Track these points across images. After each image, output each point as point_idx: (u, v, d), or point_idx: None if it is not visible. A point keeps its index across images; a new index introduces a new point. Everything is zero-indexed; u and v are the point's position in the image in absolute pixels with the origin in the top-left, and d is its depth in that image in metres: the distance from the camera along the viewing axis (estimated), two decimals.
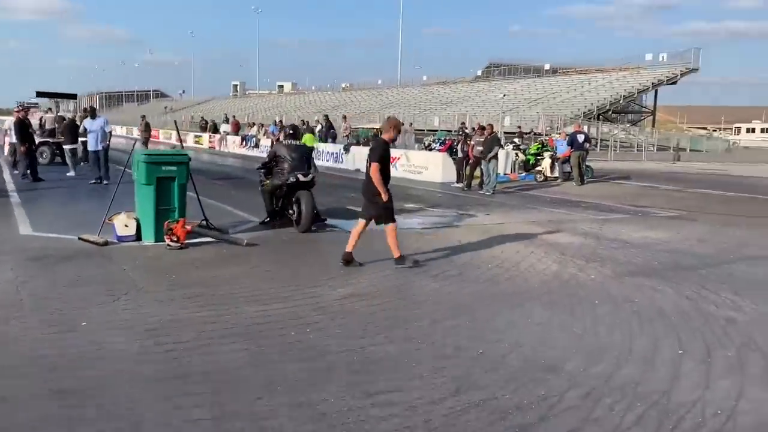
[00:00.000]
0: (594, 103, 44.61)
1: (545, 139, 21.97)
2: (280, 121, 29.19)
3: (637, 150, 39.23)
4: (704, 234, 10.03)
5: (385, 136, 7.05)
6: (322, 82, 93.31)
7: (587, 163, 19.63)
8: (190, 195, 8.47)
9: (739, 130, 72.98)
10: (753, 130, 71.88)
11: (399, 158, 20.31)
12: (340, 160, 23.46)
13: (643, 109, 53.24)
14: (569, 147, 18.20)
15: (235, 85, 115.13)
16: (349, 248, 7.02)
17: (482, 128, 16.52)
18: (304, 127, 26.65)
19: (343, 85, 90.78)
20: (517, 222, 10.85)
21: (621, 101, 45.87)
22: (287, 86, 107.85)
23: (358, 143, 25.11)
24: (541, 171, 19.15)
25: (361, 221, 7.15)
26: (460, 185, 17.06)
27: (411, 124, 40.19)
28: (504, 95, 25.77)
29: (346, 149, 23.02)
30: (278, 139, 27.73)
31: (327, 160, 24.40)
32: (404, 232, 9.46)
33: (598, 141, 39.72)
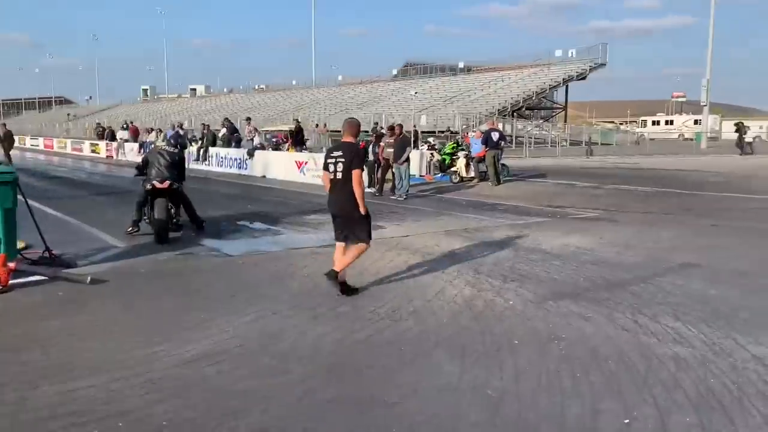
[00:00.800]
0: (508, 100, 44.71)
1: (460, 138, 21.08)
2: (180, 125, 27.11)
3: (551, 146, 39.38)
4: (629, 238, 9.21)
5: (351, 140, 6.10)
6: (237, 84, 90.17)
7: (503, 162, 18.90)
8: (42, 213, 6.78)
9: (645, 122, 75.63)
10: (658, 123, 74.65)
11: (306, 162, 18.93)
12: (244, 166, 21.79)
13: (555, 105, 54.06)
14: (484, 146, 17.34)
15: (145, 90, 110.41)
16: (338, 269, 6.06)
17: (392, 129, 15.36)
18: (205, 131, 24.79)
19: (256, 87, 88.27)
20: (429, 232, 9.70)
21: (534, 97, 46.23)
22: (200, 89, 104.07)
23: (261, 148, 23.44)
24: (456, 171, 18.23)
25: (339, 245, 6.23)
26: (372, 190, 15.85)
27: (325, 125, 38.93)
28: (415, 93, 24.83)
29: (250, 154, 21.38)
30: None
31: (230, 167, 22.69)
32: (296, 252, 8.14)
33: (513, 138, 39.63)
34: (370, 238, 6.20)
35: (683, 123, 69.04)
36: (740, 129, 33.76)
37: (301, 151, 21.55)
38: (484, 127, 19.70)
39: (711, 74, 43.90)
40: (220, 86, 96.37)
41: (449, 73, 57.97)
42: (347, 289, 5.99)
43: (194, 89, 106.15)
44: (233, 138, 23.20)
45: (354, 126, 6.14)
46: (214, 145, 24.11)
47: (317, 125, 43.25)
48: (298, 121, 22.28)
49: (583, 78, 47.89)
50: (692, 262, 7.51)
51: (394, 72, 67.74)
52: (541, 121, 50.59)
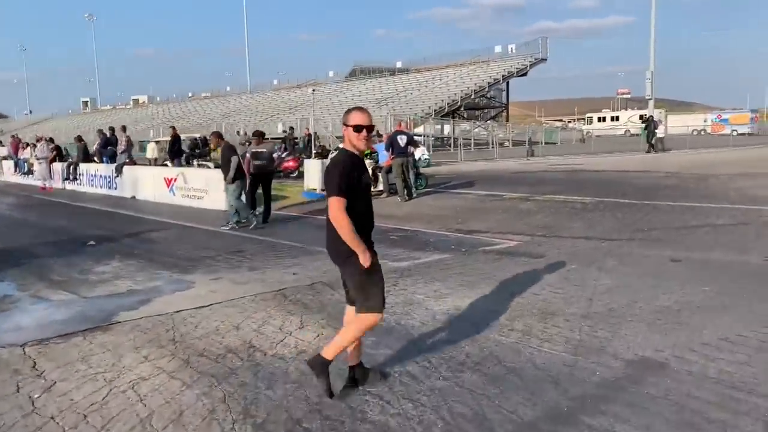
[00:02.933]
0: (444, 99, 41.75)
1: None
2: (50, 138, 23.03)
3: (492, 147, 36.54)
4: (551, 295, 5.96)
5: (349, 145, 3.73)
6: (182, 94, 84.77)
7: (418, 171, 15.68)
8: None
9: (591, 119, 74.03)
10: (603, 119, 73.11)
11: (175, 179, 15.29)
12: (114, 185, 17.98)
13: (494, 103, 51.38)
14: (388, 153, 14.06)
15: (85, 102, 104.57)
16: (351, 358, 3.94)
17: (260, 135, 11.75)
18: (80, 143, 20.84)
19: (190, 95, 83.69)
20: (246, 298, 6.26)
21: (472, 95, 43.39)
22: (143, 99, 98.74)
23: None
24: None
25: (349, 309, 3.96)
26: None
27: (245, 132, 35.16)
28: (313, 90, 21.54)
29: (118, 171, 17.58)
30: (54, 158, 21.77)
31: (100, 186, 18.83)
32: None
33: (452, 140, 36.65)
34: (380, 307, 3.71)
35: (629, 119, 67.55)
36: (649, 125, 31.29)
37: (179, 165, 17.87)
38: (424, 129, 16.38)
39: (654, 67, 41.95)
40: (165, 96, 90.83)
41: (386, 74, 54.85)
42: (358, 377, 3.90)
43: (137, 99, 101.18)
44: (105, 152, 19.32)
45: (347, 114, 3.76)
46: (87, 160, 20.21)
47: (238, 132, 39.69)
48: (174, 129, 18.60)
49: (524, 74, 45.38)
50: (652, 360, 4.27)
51: (331, 74, 64.23)
52: (487, 121, 47.85)
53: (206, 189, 14.11)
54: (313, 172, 16.44)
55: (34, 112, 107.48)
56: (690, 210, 10.91)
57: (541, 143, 40.09)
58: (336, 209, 3.48)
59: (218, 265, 7.79)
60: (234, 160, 10.46)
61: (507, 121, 48.21)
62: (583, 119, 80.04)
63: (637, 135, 47.04)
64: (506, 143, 40.42)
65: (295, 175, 20.29)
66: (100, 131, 20.29)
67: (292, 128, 24.81)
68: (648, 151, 29.25)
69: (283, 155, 21.26)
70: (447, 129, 40.17)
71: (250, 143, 24.21)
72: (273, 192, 12.15)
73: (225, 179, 10.63)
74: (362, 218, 3.63)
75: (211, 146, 11.11)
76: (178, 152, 17.57)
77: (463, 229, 10.11)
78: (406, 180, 13.95)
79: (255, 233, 10.33)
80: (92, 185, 19.37)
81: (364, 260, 3.55)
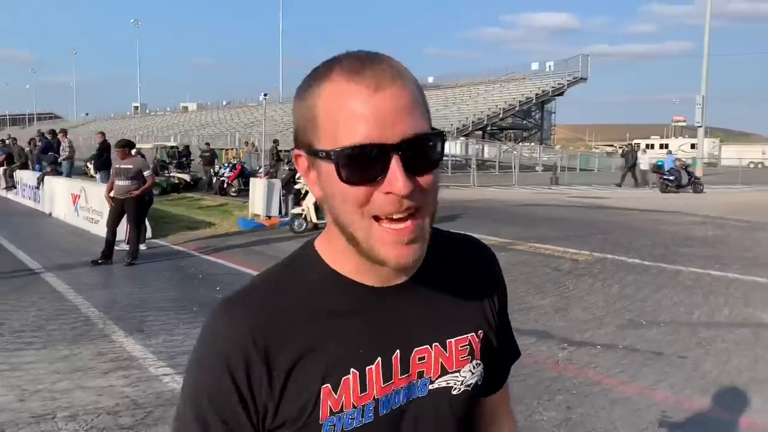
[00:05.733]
0: (470, 117, 38.32)
1: None
2: (2, 140, 20.70)
3: (523, 171, 32.95)
4: None
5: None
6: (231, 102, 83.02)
7: None
8: None
9: (638, 146, 69.43)
10: (652, 146, 68.33)
11: (79, 196, 12.47)
12: (38, 197, 15.33)
13: (527, 124, 47.52)
14: None
15: (136, 107, 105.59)
16: None
17: (127, 146, 8.72)
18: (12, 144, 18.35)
19: (224, 103, 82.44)
20: None
21: (501, 114, 39.82)
22: (192, 106, 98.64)
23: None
24: (302, 214, 11.75)
25: None
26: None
27: (253, 143, 32.52)
28: (265, 95, 18.58)
29: (40, 181, 14.94)
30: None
31: (28, 197, 16.25)
32: None
33: (472, 161, 33.22)
34: None
35: (679, 147, 62.82)
36: (627, 155, 26.73)
37: (106, 179, 15.08)
38: None
39: (706, 92, 37.80)
40: (216, 104, 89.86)
41: None
42: None
43: (186, 106, 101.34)
44: (45, 158, 16.74)
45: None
46: (26, 167, 17.71)
47: (246, 143, 37.15)
48: (102, 135, 15.83)
49: (561, 93, 41.62)
50: None
51: None
52: (531, 144, 44.08)
53: (102, 211, 11.21)
54: (259, 194, 13.44)
55: (90, 114, 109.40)
56: (722, 286, 7.38)
57: (577, 169, 36.33)
58: None
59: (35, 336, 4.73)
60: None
61: (540, 143, 44.33)
62: (631, 145, 75.25)
63: (687, 165, 42.68)
64: (537, 167, 36.78)
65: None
66: (41, 134, 17.76)
67: (276, 141, 21.92)
68: (619, 185, 24.95)
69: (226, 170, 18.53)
70: (473, 149, 36.83)
71: (208, 153, 21.48)
72: (200, 217, 9.22)
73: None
74: None
75: (118, 157, 8.35)
76: (105, 164, 14.79)
77: None
78: None
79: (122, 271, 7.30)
80: (24, 195, 16.83)
81: None
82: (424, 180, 0.78)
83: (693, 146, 53.47)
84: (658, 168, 23.33)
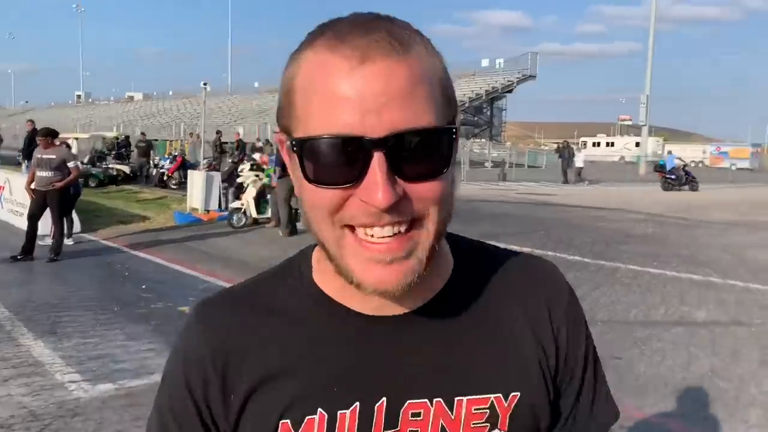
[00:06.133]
0: None
1: (260, 154, 14.11)
2: None
3: (471, 166, 33.11)
4: None
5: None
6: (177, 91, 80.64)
7: None
8: None
9: (585, 144, 70.91)
10: (598, 144, 70.08)
11: (3, 187, 11.78)
12: None
13: (479, 121, 47.85)
14: (278, 169, 10.60)
15: (79, 95, 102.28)
16: None
17: (50, 135, 8.15)
18: None
19: (170, 93, 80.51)
20: None
21: None
22: (138, 95, 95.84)
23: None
24: (242, 208, 11.37)
25: None
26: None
27: (191, 133, 31.69)
28: (204, 84, 17.76)
29: None
30: None
31: None
32: None
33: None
34: None
35: (624, 145, 64.69)
36: (562, 152, 27.10)
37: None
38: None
39: (650, 92, 38.85)
40: (163, 94, 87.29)
41: None
42: None
43: (131, 95, 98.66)
44: None
45: None
46: None
47: (191, 134, 36.26)
48: (31, 123, 15.05)
49: (510, 90, 42.05)
50: None
51: None
52: (480, 140, 44.37)
53: (27, 203, 10.58)
54: (198, 187, 12.96)
55: (30, 102, 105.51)
56: (659, 284, 7.41)
57: (525, 166, 36.77)
58: None
59: None
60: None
61: (490, 139, 44.75)
62: (578, 143, 76.80)
63: (632, 162, 43.84)
64: (486, 163, 37.04)
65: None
66: None
67: (219, 132, 21.37)
68: (565, 181, 25.61)
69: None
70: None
71: (144, 144, 20.75)
72: (135, 211, 8.73)
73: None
74: None
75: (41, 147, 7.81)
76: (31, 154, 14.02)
77: None
78: (290, 208, 10.45)
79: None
80: None
81: None
82: (422, 188, 0.60)
83: (638, 144, 55.00)
84: (660, 168, 24.32)
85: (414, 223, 0.62)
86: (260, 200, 11.53)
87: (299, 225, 10.78)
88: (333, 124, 0.58)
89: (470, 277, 0.73)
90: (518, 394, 0.71)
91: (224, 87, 70.18)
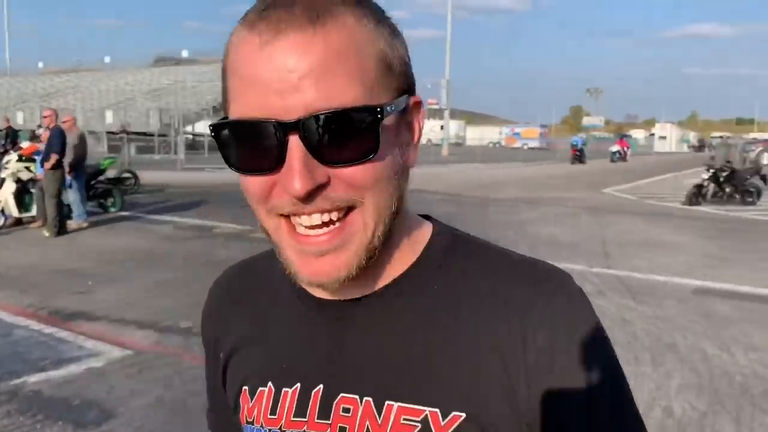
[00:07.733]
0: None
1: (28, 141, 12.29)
2: None
3: None
4: None
5: None
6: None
7: (106, 184, 10.89)
8: None
9: None
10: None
11: None
12: None
13: None
14: (54, 156, 9.10)
15: None
16: None
17: None
18: None
19: None
20: None
21: None
22: None
23: None
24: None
25: None
26: None
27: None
28: None
29: None
30: None
31: None
32: None
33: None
34: None
35: (430, 128, 67.93)
36: None
37: None
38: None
39: (450, 76, 41.20)
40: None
41: (169, 63, 48.34)
42: None
43: None
44: None
45: None
46: None
47: None
48: None
49: None
50: None
51: (107, 60, 56.02)
52: None
53: None
54: None
55: None
56: None
57: None
58: None
59: None
60: None
61: None
62: None
63: (437, 145, 46.04)
64: None
65: None
66: None
67: (7, 118, 18.71)
68: None
69: None
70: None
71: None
72: None
73: None
74: None
75: None
76: None
77: (66, 309, 5.58)
78: (59, 201, 9.07)
79: None
80: None
81: None
82: (348, 173, 0.56)
83: (442, 128, 58.07)
84: (573, 145, 32.41)
85: (350, 211, 0.58)
86: (23, 196, 9.93)
87: (71, 223, 9.46)
88: (248, 107, 0.55)
89: (440, 272, 0.65)
90: (462, 415, 0.60)
91: (3, 68, 62.21)
